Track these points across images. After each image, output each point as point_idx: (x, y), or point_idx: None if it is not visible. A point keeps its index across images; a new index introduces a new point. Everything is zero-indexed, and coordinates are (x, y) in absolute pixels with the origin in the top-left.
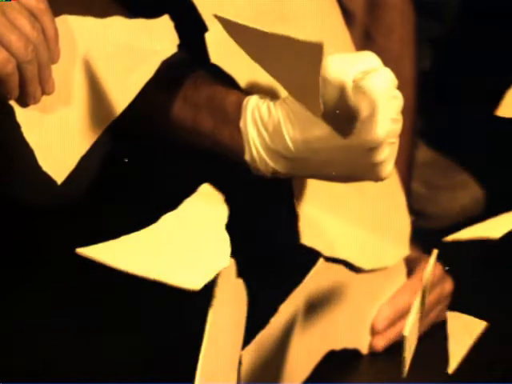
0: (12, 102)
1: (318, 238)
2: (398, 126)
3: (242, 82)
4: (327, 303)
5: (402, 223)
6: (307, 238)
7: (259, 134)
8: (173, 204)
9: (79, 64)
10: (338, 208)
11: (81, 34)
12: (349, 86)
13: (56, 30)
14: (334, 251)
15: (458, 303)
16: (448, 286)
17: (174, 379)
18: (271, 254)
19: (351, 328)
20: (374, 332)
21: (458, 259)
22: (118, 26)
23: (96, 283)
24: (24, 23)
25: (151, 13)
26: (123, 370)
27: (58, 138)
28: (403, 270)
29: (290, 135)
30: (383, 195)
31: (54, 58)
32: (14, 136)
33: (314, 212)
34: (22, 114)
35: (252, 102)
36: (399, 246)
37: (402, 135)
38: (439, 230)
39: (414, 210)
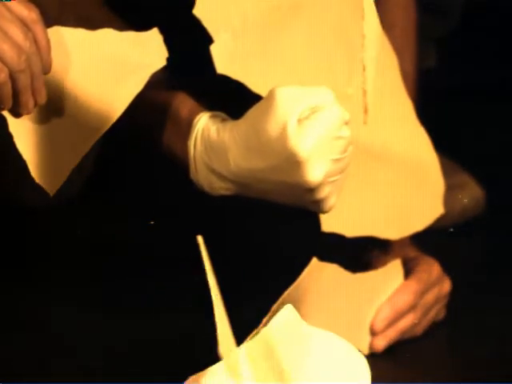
0: (5, 113)
1: (339, 222)
2: (340, 165)
3: (254, 87)
4: (325, 304)
5: (435, 182)
6: (328, 224)
7: (206, 154)
8: (172, 202)
9: (70, 75)
10: (361, 185)
11: (72, 45)
12: (291, 125)
13: (48, 40)
14: (356, 230)
15: (458, 303)
16: (446, 285)
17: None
18: (265, 253)
19: (350, 329)
20: (373, 332)
21: (457, 259)
22: (108, 38)
23: (96, 284)
24: (16, 33)
25: (155, 26)
26: (123, 368)
27: (49, 150)
28: (400, 270)
29: (235, 161)
30: (413, 158)
31: (46, 68)
32: (10, 135)
33: None
34: (14, 125)
35: (202, 121)
36: (432, 207)
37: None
38: (439, 230)
39: None
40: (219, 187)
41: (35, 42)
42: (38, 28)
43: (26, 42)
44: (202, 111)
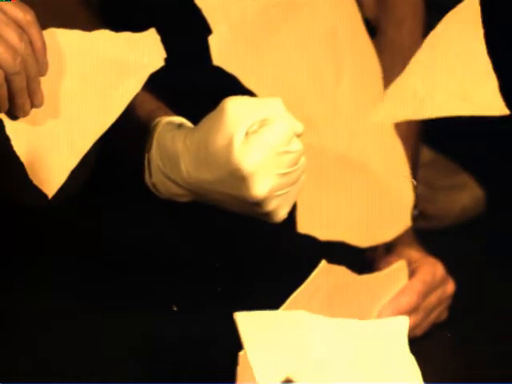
0: (2, 115)
1: (314, 224)
2: (290, 178)
3: (246, 82)
4: (329, 304)
5: (405, 196)
6: (303, 226)
7: (161, 161)
8: (173, 202)
9: (68, 77)
10: (336, 189)
11: (68, 46)
12: (237, 139)
13: (44, 41)
14: (330, 234)
15: (458, 303)
16: (449, 287)
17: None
18: (272, 255)
19: None
20: None
21: (457, 259)
22: (104, 39)
23: (97, 284)
24: (11, 35)
25: (154, 17)
26: (123, 368)
27: (47, 152)
28: (405, 271)
29: (187, 170)
30: (386, 169)
31: (42, 70)
32: (7, 138)
33: (311, 198)
34: (11, 127)
35: (159, 127)
36: (400, 219)
37: (409, 131)
38: (439, 231)
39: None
40: (175, 194)
41: (31, 44)
42: (33, 30)
43: (21, 44)
44: (160, 115)
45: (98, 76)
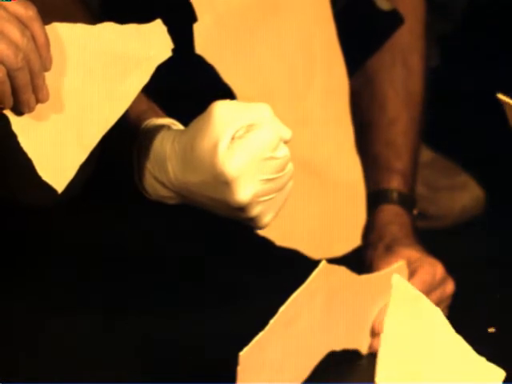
0: (7, 112)
1: (273, 228)
2: (275, 184)
3: (224, 75)
4: (328, 304)
5: (358, 214)
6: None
7: (149, 162)
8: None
9: (72, 72)
10: (296, 196)
11: (72, 41)
12: (222, 144)
13: (47, 36)
14: (286, 241)
15: (459, 303)
16: (449, 287)
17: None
18: (272, 255)
19: (352, 329)
20: (374, 333)
21: (457, 259)
22: (109, 31)
23: (96, 284)
24: (13, 31)
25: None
26: (124, 370)
27: (55, 147)
28: (405, 271)
29: (174, 172)
30: (343, 186)
31: (46, 65)
32: (13, 135)
33: None
34: (17, 124)
35: (149, 128)
36: (351, 237)
37: (408, 130)
38: (440, 231)
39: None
40: (163, 196)
41: (33, 39)
42: (35, 25)
43: (23, 39)
44: (150, 117)
45: (103, 69)
